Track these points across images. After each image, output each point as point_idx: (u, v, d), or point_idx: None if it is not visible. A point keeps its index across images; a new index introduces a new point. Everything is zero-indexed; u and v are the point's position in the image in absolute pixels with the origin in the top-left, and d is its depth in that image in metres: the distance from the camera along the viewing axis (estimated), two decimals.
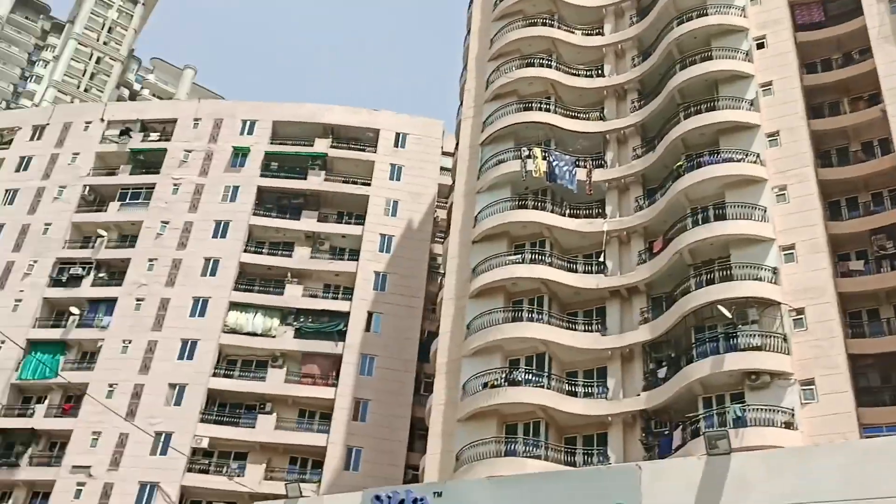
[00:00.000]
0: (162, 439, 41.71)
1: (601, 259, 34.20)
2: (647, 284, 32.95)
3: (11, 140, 54.32)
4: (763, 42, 35.82)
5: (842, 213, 33.35)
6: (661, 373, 30.60)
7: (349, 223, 50.04)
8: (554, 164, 34.86)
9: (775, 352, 28.56)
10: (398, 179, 50.84)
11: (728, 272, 30.44)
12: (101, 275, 48.44)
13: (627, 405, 30.76)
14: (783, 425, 27.15)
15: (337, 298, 47.40)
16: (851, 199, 33.53)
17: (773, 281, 29.83)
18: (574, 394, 31.97)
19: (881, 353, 29.44)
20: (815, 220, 31.28)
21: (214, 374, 44.41)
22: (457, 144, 41.85)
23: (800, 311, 29.28)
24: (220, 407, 44.06)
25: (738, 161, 32.64)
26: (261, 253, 48.96)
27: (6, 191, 51.91)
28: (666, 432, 29.72)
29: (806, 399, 27.74)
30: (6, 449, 43.28)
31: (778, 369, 28.18)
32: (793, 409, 27.45)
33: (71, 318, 46.54)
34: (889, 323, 30.49)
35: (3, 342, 44.47)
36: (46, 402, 44.81)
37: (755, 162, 32.50)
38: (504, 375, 32.03)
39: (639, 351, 31.81)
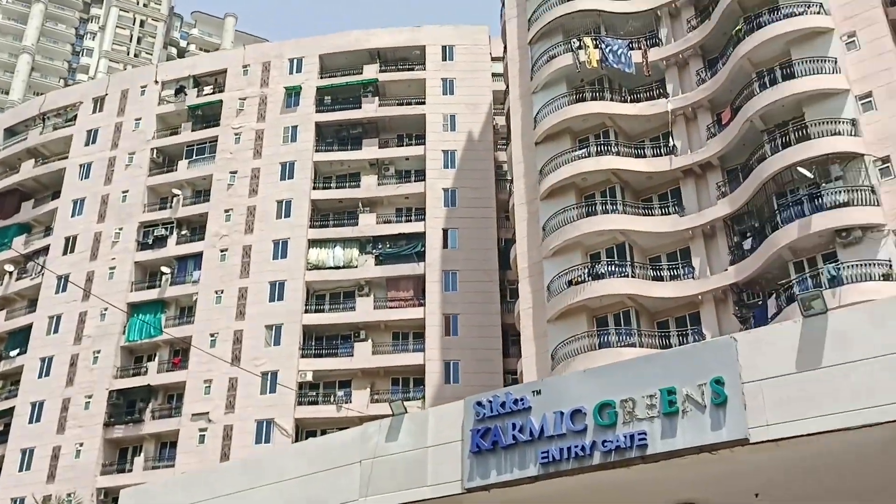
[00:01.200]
0: (269, 378, 43.43)
1: (669, 140, 33.55)
2: (721, 158, 32.23)
3: (76, 116, 55.64)
4: None
5: None
6: (747, 244, 30.13)
7: (410, 144, 50.03)
8: (607, 50, 34.02)
9: (864, 205, 27.60)
10: (452, 93, 50.34)
11: (804, 132, 29.40)
12: (183, 232, 49.85)
13: (716, 281, 30.55)
14: (882, 278, 26.40)
15: (410, 220, 47.83)
16: None
17: (853, 133, 28.66)
18: (660, 278, 31.94)
19: None
20: (891, 63, 29.66)
21: (306, 311, 45.72)
22: (505, 48, 40.99)
23: (885, 160, 28.05)
24: (317, 340, 45.52)
25: (800, 14, 31.09)
26: (329, 187, 49.59)
27: (80, 165, 53.41)
28: (759, 303, 29.42)
29: None
30: (129, 407, 45.66)
31: (869, 222, 27.31)
32: (890, 261, 26.66)
33: (163, 277, 48.26)
34: None
35: (105, 309, 46.61)
36: (156, 359, 46.99)
37: (818, 12, 30.93)
38: (587, 271, 32.09)
39: (720, 226, 31.39)
